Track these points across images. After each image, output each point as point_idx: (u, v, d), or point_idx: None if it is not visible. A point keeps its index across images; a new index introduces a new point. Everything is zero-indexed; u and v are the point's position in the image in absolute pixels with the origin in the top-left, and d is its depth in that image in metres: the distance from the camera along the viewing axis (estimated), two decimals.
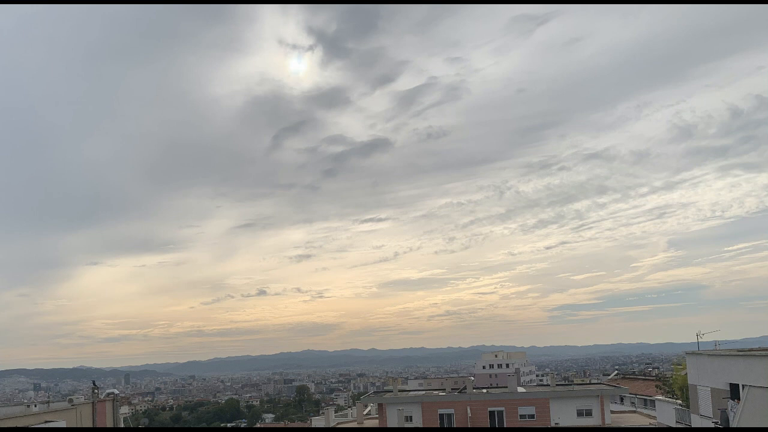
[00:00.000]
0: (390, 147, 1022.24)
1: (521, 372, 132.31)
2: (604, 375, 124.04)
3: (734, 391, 27.58)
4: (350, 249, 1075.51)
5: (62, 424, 33.55)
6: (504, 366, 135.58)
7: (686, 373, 36.10)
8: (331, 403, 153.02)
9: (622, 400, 59.15)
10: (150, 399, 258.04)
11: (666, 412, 40.43)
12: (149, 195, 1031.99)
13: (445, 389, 56.69)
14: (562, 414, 47.16)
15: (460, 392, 52.27)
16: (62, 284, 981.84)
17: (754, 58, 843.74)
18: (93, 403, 38.50)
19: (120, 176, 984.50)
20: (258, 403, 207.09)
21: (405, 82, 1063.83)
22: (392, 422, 47.61)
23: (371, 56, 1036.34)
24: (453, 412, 48.60)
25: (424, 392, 60.46)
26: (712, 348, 36.00)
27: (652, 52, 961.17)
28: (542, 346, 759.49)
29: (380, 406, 50.84)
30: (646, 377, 66.96)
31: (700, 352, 33.86)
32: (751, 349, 31.75)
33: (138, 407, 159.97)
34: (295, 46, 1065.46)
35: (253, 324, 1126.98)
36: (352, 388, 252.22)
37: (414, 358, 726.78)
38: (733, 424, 23.05)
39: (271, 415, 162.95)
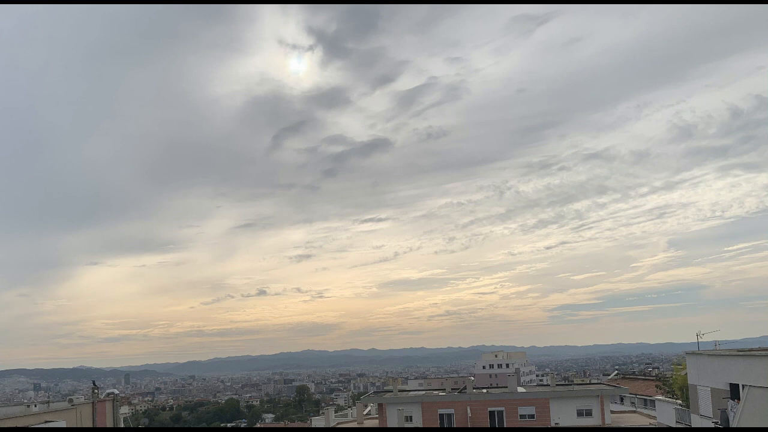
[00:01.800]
0: (390, 147, 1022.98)
1: (521, 372, 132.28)
2: (604, 375, 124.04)
3: (734, 391, 27.59)
4: (350, 249, 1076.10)
5: (62, 424, 33.55)
6: (504, 366, 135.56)
7: (686, 373, 36.10)
8: (331, 403, 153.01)
9: (622, 400, 59.14)
10: (150, 399, 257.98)
11: (666, 412, 40.44)
12: (149, 195, 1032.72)
13: (445, 389, 56.70)
14: (562, 414, 47.17)
15: (460, 392, 52.27)
16: (62, 284, 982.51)
17: (754, 58, 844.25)
18: (93, 403, 38.51)
19: (120, 176, 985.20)
20: (258, 403, 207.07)
21: (405, 82, 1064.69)
22: (392, 422, 47.61)
23: (371, 56, 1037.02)
24: (453, 412, 48.61)
25: (424, 392, 60.46)
26: (712, 348, 36.00)
27: (652, 52, 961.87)
28: (542, 346, 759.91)
29: (380, 406, 50.85)
30: (646, 377, 66.96)
31: (700, 352, 33.86)
32: (751, 349, 31.75)
33: (138, 407, 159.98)
34: (295, 46, 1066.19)
35: (253, 324, 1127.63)
36: (352, 388, 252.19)
37: (414, 358, 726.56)
38: (733, 424, 23.05)
39: (271, 415, 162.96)
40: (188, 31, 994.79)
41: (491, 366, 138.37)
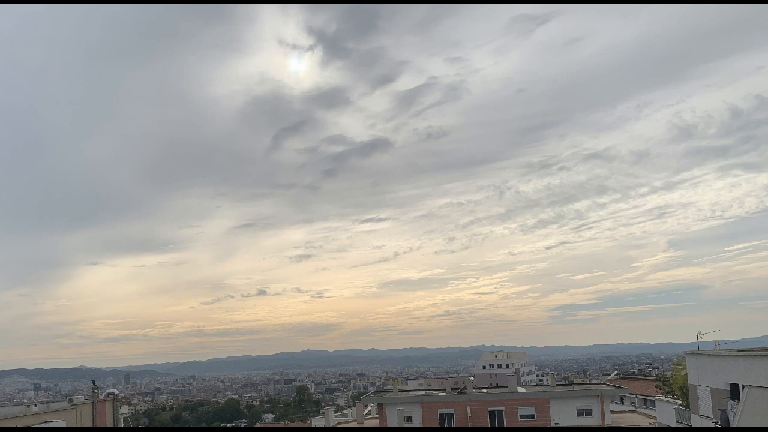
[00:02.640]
0: (390, 147, 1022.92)
1: (521, 372, 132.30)
2: (604, 375, 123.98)
3: (734, 391, 27.59)
4: (350, 249, 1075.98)
5: (62, 424, 33.56)
6: (504, 366, 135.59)
7: (686, 373, 36.11)
8: (331, 403, 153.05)
9: (622, 400, 59.16)
10: (150, 399, 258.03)
11: (666, 412, 40.45)
12: (149, 195, 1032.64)
13: (445, 389, 56.70)
14: (562, 414, 47.17)
15: (460, 392, 52.29)
16: (62, 284, 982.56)
17: (754, 58, 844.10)
18: (93, 403, 38.51)
19: (120, 176, 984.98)
20: (258, 403, 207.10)
21: (405, 82, 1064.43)
22: (392, 422, 47.62)
23: (371, 56, 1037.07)
24: (453, 412, 48.61)
25: (424, 392, 60.48)
26: (712, 348, 36.00)
27: (652, 52, 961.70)
28: (542, 346, 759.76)
29: (380, 406, 50.85)
30: (646, 377, 66.98)
31: (700, 352, 33.87)
32: (751, 349, 31.75)
33: (138, 407, 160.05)
34: (295, 46, 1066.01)
35: (253, 324, 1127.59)
36: (352, 388, 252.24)
37: (414, 358, 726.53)
38: (733, 424, 23.06)
39: (271, 415, 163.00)
40: (188, 31, 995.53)
41: (491, 366, 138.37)
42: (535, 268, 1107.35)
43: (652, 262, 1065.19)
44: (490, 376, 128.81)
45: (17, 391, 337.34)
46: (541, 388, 56.99)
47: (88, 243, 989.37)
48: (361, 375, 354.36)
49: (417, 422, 48.91)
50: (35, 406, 35.83)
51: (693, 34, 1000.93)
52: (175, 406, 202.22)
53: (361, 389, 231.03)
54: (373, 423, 53.47)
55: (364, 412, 58.36)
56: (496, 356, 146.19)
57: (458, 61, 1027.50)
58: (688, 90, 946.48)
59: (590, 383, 69.63)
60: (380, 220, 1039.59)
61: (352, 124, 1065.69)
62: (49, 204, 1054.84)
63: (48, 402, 38.79)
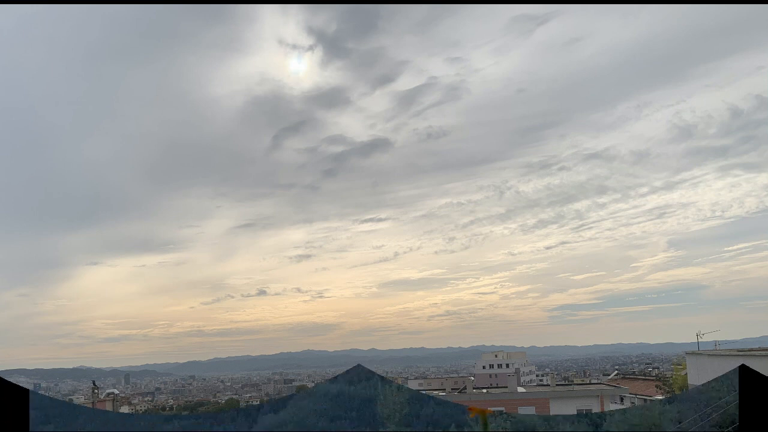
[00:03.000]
0: (390, 147, 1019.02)
1: (521, 372, 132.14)
2: (604, 375, 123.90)
3: None
4: (350, 249, 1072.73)
5: None
6: (504, 366, 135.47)
7: (686, 373, 36.12)
8: None
9: (622, 400, 59.13)
10: (150, 399, 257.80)
11: None
12: (149, 195, 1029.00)
13: (444, 389, 56.71)
14: (562, 414, 47.17)
15: (460, 392, 52.30)
16: (62, 284, 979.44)
17: (754, 58, 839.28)
18: (93, 403, 38.52)
19: (120, 176, 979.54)
20: (258, 403, 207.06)
21: (405, 82, 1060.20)
22: None
23: (371, 56, 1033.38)
24: None
25: (424, 392, 60.45)
26: (712, 348, 36.02)
27: (652, 52, 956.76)
28: (542, 346, 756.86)
29: None
30: (646, 377, 66.94)
31: (700, 352, 33.87)
32: (751, 349, 31.76)
33: (138, 407, 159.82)
34: (295, 46, 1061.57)
35: (253, 324, 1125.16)
36: None
37: (414, 358, 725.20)
38: None
39: None
40: (188, 31, 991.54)
41: (491, 366, 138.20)
42: (535, 268, 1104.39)
43: (652, 262, 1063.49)
44: (490, 376, 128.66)
45: None
46: (541, 388, 57.02)
47: (88, 243, 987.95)
48: None
49: None
50: None
51: (693, 34, 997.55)
52: (175, 406, 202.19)
53: None
54: None
55: None
56: (496, 356, 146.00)
57: (458, 61, 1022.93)
58: (688, 90, 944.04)
59: (590, 383, 69.67)
60: (380, 220, 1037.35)
61: (352, 124, 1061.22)
62: (49, 204, 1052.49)
63: None
